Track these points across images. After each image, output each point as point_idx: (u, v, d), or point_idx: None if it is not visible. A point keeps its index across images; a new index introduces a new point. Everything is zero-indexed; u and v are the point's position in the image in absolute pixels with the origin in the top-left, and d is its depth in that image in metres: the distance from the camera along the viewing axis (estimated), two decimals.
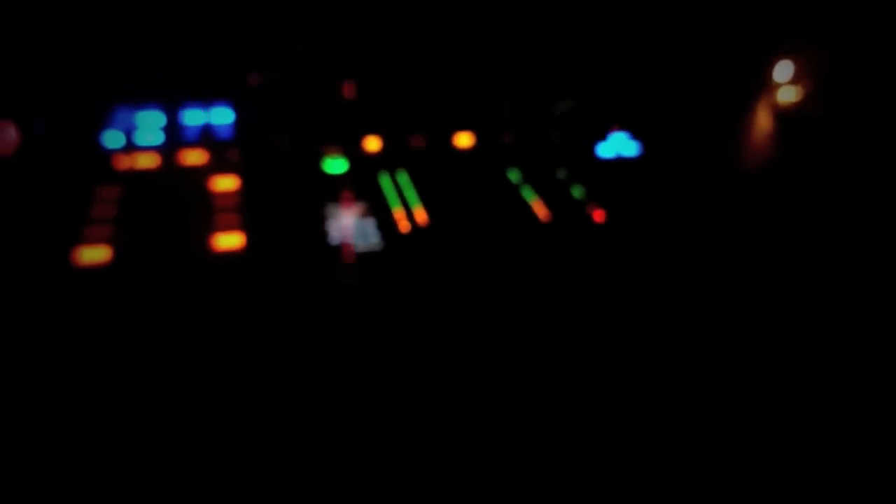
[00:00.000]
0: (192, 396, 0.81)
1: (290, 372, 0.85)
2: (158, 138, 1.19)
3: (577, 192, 1.15)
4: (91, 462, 0.77)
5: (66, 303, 0.88)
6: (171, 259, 0.94)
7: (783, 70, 1.62)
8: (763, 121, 1.53)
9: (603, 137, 1.28)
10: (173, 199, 1.05)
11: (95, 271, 0.91)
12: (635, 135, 1.30)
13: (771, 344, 0.97)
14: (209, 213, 1.02)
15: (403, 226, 1.04)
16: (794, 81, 1.61)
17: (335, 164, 1.17)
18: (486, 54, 1.37)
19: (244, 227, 0.99)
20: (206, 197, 1.05)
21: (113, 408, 0.80)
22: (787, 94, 1.60)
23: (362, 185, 1.12)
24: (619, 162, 1.27)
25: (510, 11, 1.34)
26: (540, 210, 1.11)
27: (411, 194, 1.10)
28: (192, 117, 1.25)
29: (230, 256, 0.96)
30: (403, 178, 1.14)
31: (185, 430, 0.79)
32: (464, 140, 1.25)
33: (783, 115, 1.55)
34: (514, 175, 1.18)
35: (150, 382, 0.81)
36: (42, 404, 0.80)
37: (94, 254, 0.92)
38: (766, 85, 1.59)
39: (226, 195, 1.06)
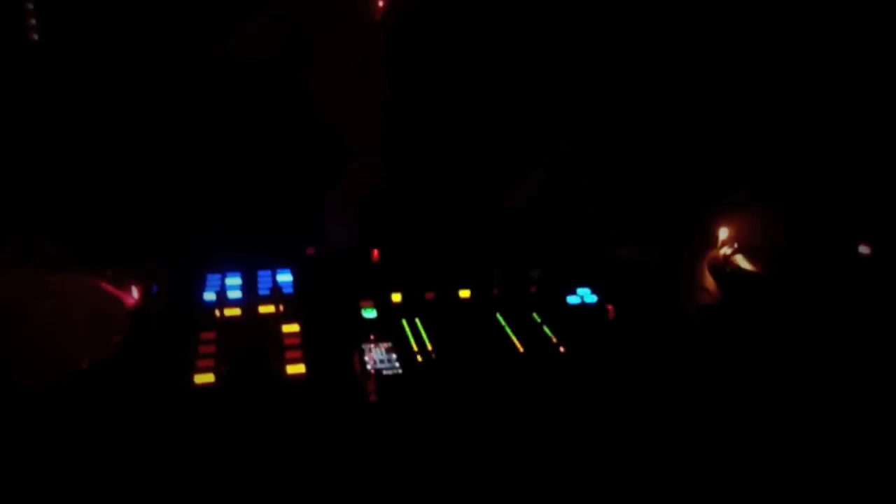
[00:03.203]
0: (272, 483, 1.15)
1: (340, 465, 1.20)
2: (240, 295, 1.63)
3: (548, 330, 1.56)
4: None
5: (185, 414, 1.27)
6: (257, 381, 1.34)
7: (724, 230, 2.06)
8: (705, 274, 1.94)
9: (572, 292, 1.71)
10: (254, 339, 1.47)
11: (205, 390, 1.31)
12: (594, 290, 1.73)
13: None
14: (281, 350, 1.43)
15: (418, 358, 1.44)
16: (731, 241, 2.04)
17: (369, 312, 1.60)
18: (479, 231, 1.84)
19: (305, 359, 1.40)
20: (278, 338, 1.47)
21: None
22: (727, 251, 2.02)
23: (389, 328, 1.53)
24: (582, 308, 1.69)
25: (495, 196, 1.82)
26: (519, 345, 1.51)
27: (425, 334, 1.52)
28: (264, 280, 1.70)
29: (296, 380, 1.35)
30: (419, 322, 1.56)
31: None
32: (464, 294, 1.69)
33: (721, 269, 1.96)
34: (500, 319, 1.59)
35: (246, 474, 1.16)
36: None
37: (204, 377, 1.32)
38: (708, 243, 2.03)
39: (291, 336, 1.48)
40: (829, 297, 1.77)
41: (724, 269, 1.92)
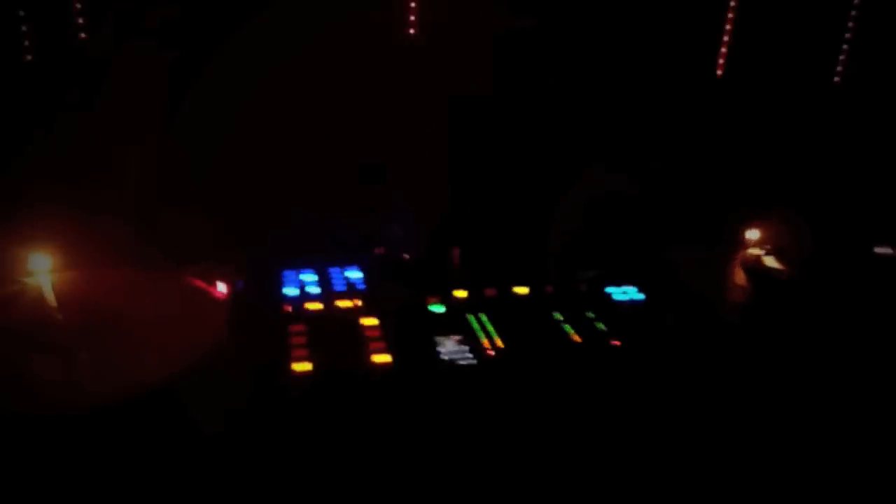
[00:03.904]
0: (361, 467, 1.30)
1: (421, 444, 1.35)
2: (318, 291, 1.78)
3: (600, 325, 1.71)
4: None
5: (287, 399, 1.42)
6: (347, 371, 1.49)
7: (754, 232, 2.21)
8: (739, 276, 2.09)
9: (620, 289, 1.87)
10: (338, 331, 1.62)
11: (304, 376, 1.46)
12: (640, 289, 1.88)
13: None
14: (364, 341, 1.58)
15: (489, 350, 1.60)
16: (762, 242, 2.19)
17: (437, 308, 1.75)
18: (534, 230, 2.00)
19: (389, 350, 1.55)
20: (359, 330, 1.63)
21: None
22: (757, 253, 2.17)
23: (457, 322, 1.69)
24: (629, 304, 1.84)
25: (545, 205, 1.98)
26: (574, 337, 1.66)
27: (491, 328, 1.67)
28: (337, 277, 1.85)
29: (383, 368, 1.51)
30: (483, 317, 1.71)
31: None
32: (522, 291, 1.84)
33: (755, 271, 2.11)
34: (556, 315, 1.75)
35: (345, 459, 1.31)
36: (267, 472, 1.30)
37: (303, 366, 1.48)
38: (740, 245, 2.18)
39: (371, 328, 1.63)
40: (858, 299, 1.92)
41: (756, 270, 2.07)
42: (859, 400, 1.56)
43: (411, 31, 2.07)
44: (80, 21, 1.98)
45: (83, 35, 1.98)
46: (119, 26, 1.95)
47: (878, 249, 2.21)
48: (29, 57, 1.98)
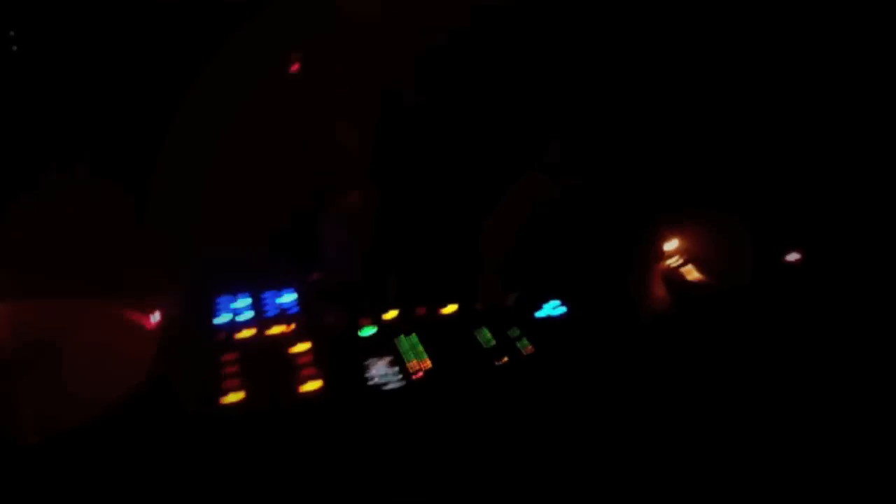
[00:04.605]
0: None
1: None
2: (251, 317, 1.82)
3: (523, 343, 1.80)
4: None
5: (216, 429, 1.46)
6: (276, 398, 1.54)
7: (672, 243, 2.33)
8: (659, 288, 2.20)
9: (540, 307, 1.96)
10: (270, 359, 1.66)
11: (235, 406, 1.50)
12: (563, 302, 1.98)
13: None
14: (294, 368, 1.63)
15: (416, 371, 1.67)
16: (680, 252, 2.31)
17: (367, 330, 1.81)
18: (462, 249, 2.08)
19: (319, 376, 1.60)
20: (290, 357, 1.67)
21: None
22: (675, 262, 2.29)
23: (388, 344, 1.75)
24: (553, 319, 1.93)
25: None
26: (497, 354, 1.75)
27: (420, 349, 1.74)
28: (270, 302, 1.89)
29: (312, 396, 1.56)
30: (413, 338, 1.78)
31: None
32: (450, 309, 1.91)
33: (671, 279, 2.23)
34: (483, 332, 1.83)
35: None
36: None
37: (233, 397, 1.52)
38: (659, 256, 2.29)
39: (303, 354, 1.68)
40: (771, 307, 2.04)
41: (674, 280, 2.18)
42: (778, 403, 1.68)
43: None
44: None
45: None
46: None
47: (787, 257, 2.35)
48: None
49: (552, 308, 1.94)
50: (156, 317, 1.75)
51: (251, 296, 1.88)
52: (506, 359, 1.72)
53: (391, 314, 1.86)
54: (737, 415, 1.65)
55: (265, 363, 1.63)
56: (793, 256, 2.36)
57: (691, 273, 2.22)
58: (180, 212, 2.03)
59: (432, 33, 2.06)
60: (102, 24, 1.94)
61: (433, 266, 2.01)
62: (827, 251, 2.37)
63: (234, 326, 1.76)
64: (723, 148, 2.50)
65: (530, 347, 1.76)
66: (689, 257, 2.25)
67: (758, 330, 1.96)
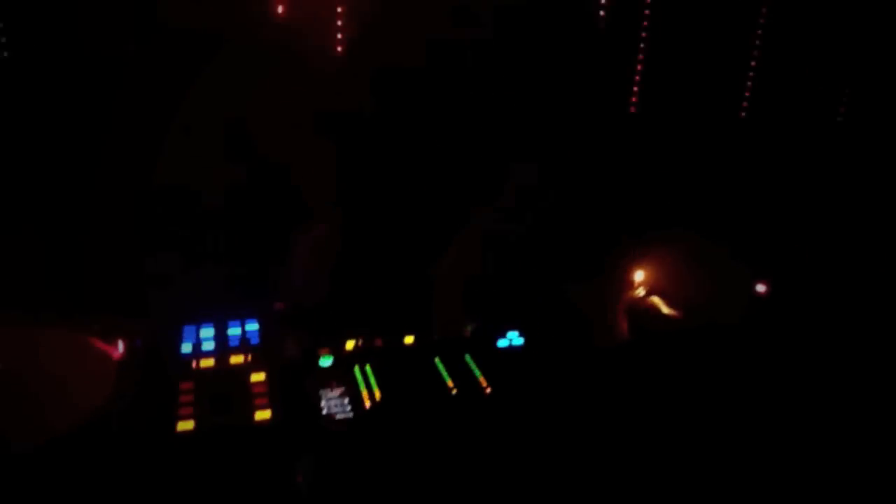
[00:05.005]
0: None
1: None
2: (213, 347, 1.88)
3: (478, 372, 1.84)
4: None
5: (169, 456, 1.52)
6: (229, 427, 1.59)
7: (638, 273, 2.36)
8: (623, 318, 2.24)
9: (502, 335, 1.99)
10: (226, 387, 1.72)
11: (186, 435, 1.56)
12: (521, 333, 2.01)
13: None
14: (249, 397, 1.68)
15: (367, 402, 1.71)
16: (645, 283, 2.34)
17: (325, 360, 1.86)
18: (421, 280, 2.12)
19: (271, 405, 1.65)
20: (247, 386, 1.72)
21: None
22: (641, 293, 2.32)
23: (342, 374, 1.80)
24: (510, 350, 1.97)
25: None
26: (451, 383, 1.79)
27: (373, 379, 1.78)
28: (234, 331, 1.94)
29: (263, 425, 1.61)
30: (368, 368, 1.83)
31: None
32: (408, 340, 1.96)
33: (635, 311, 2.26)
34: (438, 363, 1.87)
35: None
36: None
37: (185, 425, 1.57)
38: (626, 286, 2.32)
39: (259, 384, 1.73)
40: (743, 341, 2.06)
41: (638, 311, 2.21)
42: (738, 429, 1.70)
43: None
44: None
45: None
46: None
47: (756, 288, 2.37)
48: None
49: (510, 338, 1.98)
50: (121, 346, 1.81)
51: (214, 326, 1.94)
52: (455, 390, 1.75)
53: (350, 344, 1.91)
54: (698, 446, 1.67)
55: (222, 392, 1.68)
56: (760, 287, 2.38)
57: (656, 304, 2.26)
58: (144, 239, 2.09)
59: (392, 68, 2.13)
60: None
61: (393, 296, 2.06)
62: (793, 281, 2.39)
63: (197, 355, 1.82)
64: (690, 177, 2.55)
65: (484, 380, 1.79)
66: (654, 289, 2.28)
67: (721, 360, 1.99)
